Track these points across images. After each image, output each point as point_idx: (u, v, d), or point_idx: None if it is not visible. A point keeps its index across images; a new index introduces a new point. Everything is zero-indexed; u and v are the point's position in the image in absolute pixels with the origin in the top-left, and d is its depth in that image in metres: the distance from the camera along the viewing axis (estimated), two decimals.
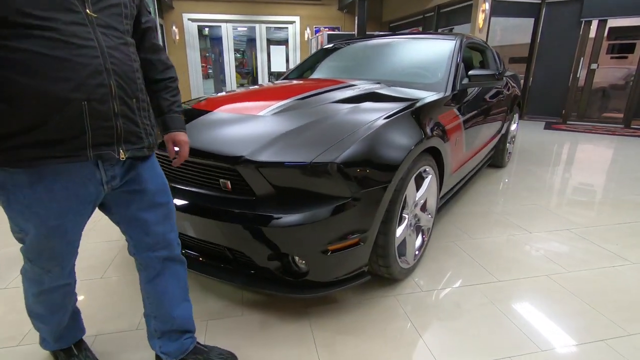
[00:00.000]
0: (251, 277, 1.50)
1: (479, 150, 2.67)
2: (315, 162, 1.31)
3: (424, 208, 1.93)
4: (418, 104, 1.81)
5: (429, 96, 1.99)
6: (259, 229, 1.30)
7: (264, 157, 1.33)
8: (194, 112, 1.78)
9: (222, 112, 1.73)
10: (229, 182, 1.42)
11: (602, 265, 1.95)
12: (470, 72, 2.31)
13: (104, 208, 1.05)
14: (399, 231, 1.64)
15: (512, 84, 3.55)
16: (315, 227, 1.30)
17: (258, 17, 9.44)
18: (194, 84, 9.54)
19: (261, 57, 9.81)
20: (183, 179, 1.56)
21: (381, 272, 1.65)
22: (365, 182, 1.37)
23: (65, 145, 0.84)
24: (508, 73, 3.65)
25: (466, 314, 1.57)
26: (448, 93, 2.14)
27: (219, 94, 2.24)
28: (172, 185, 1.57)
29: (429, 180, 1.82)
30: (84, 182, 0.92)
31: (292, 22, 9.59)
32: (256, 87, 2.42)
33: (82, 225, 0.97)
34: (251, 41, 9.91)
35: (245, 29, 9.72)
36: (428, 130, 1.70)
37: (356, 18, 7.41)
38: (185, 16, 9.13)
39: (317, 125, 1.51)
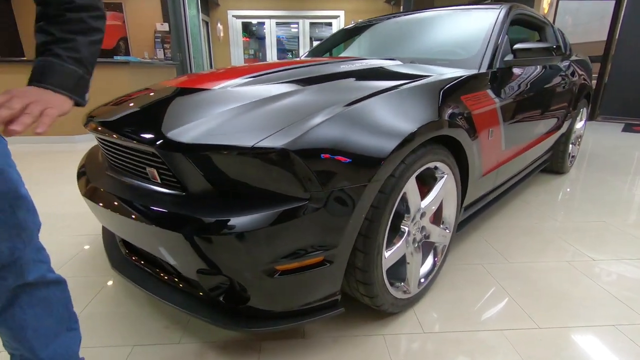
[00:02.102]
0: (189, 297, 1.16)
1: (527, 149, 2.11)
2: (257, 147, 0.93)
3: (437, 219, 1.47)
4: (428, 80, 1.36)
5: (451, 73, 1.52)
6: (177, 234, 0.95)
7: (189, 137, 0.98)
8: (158, 88, 1.49)
9: (176, 86, 1.41)
10: (155, 171, 1.09)
11: None
12: (516, 46, 1.78)
13: None
14: (393, 249, 1.21)
15: (580, 71, 2.87)
16: (252, 238, 0.92)
17: (302, 12, 9.22)
18: None
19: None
20: (113, 166, 1.27)
21: (365, 302, 1.23)
22: (332, 179, 0.96)
23: None
24: (575, 57, 2.97)
25: None
26: (483, 70, 1.64)
27: (210, 70, 1.94)
28: (106, 173, 1.28)
29: (444, 183, 1.35)
30: None
31: (336, 17, 9.25)
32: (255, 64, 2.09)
33: None
34: (295, 38, 9.72)
35: (294, 26, 9.55)
36: (441, 113, 1.24)
37: (402, 9, 6.87)
38: (230, 13, 9.18)
39: (277, 102, 1.13)
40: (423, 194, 1.35)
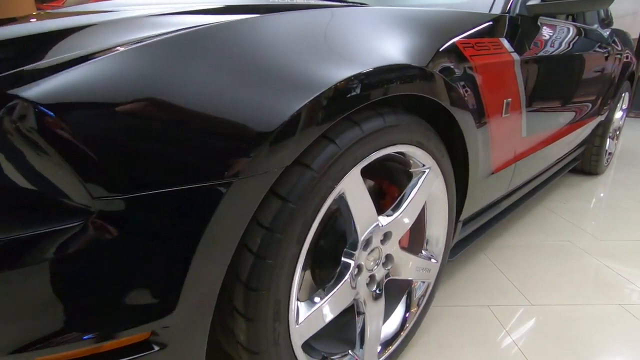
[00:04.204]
0: None
1: (557, 139, 1.53)
2: None
3: (414, 243, 0.92)
4: (391, 7, 0.81)
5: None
6: None
7: None
8: None
9: None
10: None
11: None
12: None
13: None
14: (320, 303, 0.67)
15: (621, 46, 2.26)
16: None
17: None
18: None
19: None
20: None
21: None
22: (141, 170, 0.43)
23: None
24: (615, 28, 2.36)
25: None
26: (496, 12, 1.08)
27: None
28: None
29: (424, 182, 0.80)
30: None
31: None
32: None
33: None
34: None
35: None
36: (416, 55, 0.69)
37: None
38: None
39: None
40: (386, 202, 0.81)
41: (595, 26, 1.98)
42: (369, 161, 0.65)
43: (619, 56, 2.10)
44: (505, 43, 1.01)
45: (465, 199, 1.00)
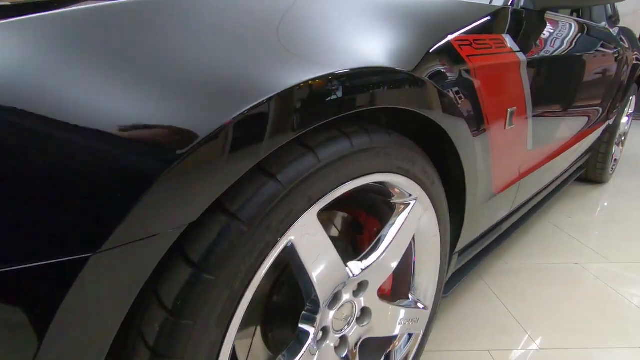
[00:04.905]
0: None
1: (565, 149, 1.37)
2: None
3: (398, 289, 0.75)
4: None
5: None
6: None
7: None
8: None
9: None
10: None
11: None
12: None
13: None
14: None
15: (630, 46, 2.10)
16: None
17: None
18: None
19: None
20: None
21: None
22: None
23: None
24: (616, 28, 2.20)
25: None
26: (497, 4, 0.91)
27: None
28: None
29: (408, 216, 0.63)
30: None
31: None
32: None
33: None
34: None
35: None
36: (403, 58, 0.52)
37: None
38: None
39: None
40: (364, 238, 0.65)
41: (603, 24, 1.82)
42: (331, 199, 0.48)
43: (628, 57, 1.94)
44: (509, 40, 0.84)
45: (462, 228, 0.83)
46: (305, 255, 0.47)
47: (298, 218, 0.44)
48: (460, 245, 0.87)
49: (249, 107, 0.35)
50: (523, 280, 1.28)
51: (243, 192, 0.39)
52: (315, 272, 0.49)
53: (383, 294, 0.68)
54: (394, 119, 0.64)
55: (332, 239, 0.53)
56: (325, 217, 0.65)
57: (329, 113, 0.43)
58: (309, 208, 0.45)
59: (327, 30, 0.47)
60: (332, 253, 0.51)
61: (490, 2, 0.91)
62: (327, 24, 0.47)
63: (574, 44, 1.25)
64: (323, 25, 0.47)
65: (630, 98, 2.23)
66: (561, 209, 1.92)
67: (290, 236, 0.43)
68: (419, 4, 0.63)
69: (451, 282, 0.97)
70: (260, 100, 0.35)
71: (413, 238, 0.69)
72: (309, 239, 0.47)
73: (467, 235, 0.87)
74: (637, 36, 2.49)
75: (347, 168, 0.48)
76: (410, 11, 0.61)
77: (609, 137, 2.06)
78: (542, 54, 0.99)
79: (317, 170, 0.44)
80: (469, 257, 1.01)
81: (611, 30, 1.83)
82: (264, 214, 0.40)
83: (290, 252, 0.45)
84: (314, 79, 0.40)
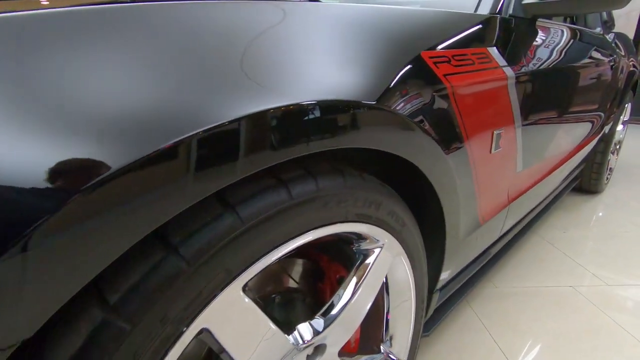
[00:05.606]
0: None
1: (558, 166, 1.28)
2: None
3: (368, 340, 0.65)
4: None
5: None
6: None
7: None
8: None
9: None
10: None
11: None
12: None
13: None
14: None
15: (625, 52, 2.02)
16: None
17: None
18: None
19: None
20: None
21: None
22: None
23: None
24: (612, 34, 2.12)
25: None
26: (483, 12, 0.81)
27: None
28: None
29: (373, 268, 0.53)
30: None
31: None
32: None
33: None
34: None
35: None
36: (364, 86, 0.43)
37: None
38: None
39: None
40: (325, 286, 0.56)
41: (598, 29, 1.74)
42: (262, 267, 0.38)
43: (624, 64, 1.86)
44: (495, 54, 0.75)
45: (442, 262, 0.74)
46: (227, 340, 0.37)
47: (215, 297, 0.34)
48: (441, 284, 0.78)
49: (151, 151, 0.25)
50: (513, 306, 1.19)
51: (130, 273, 0.29)
52: (244, 357, 0.39)
53: (347, 351, 0.59)
54: (357, 155, 0.55)
55: (285, 291, 0.43)
56: (276, 267, 0.55)
57: (259, 161, 0.33)
58: (228, 284, 0.35)
59: (271, 51, 0.37)
60: (268, 328, 0.41)
61: (476, 10, 0.81)
62: (269, 43, 0.37)
63: (567, 53, 1.16)
64: (268, 45, 0.37)
65: (627, 106, 2.15)
66: (555, 223, 1.83)
67: (202, 324, 0.34)
68: (384, 16, 0.53)
69: (434, 319, 0.88)
70: (165, 146, 0.25)
71: (384, 286, 0.60)
72: (232, 320, 0.37)
73: (448, 271, 0.78)
74: (631, 39, 2.42)
75: (284, 224, 0.38)
76: (372, 25, 0.51)
77: (604, 146, 1.98)
78: (532, 67, 0.90)
79: (240, 234, 0.34)
80: (452, 291, 0.92)
81: (606, 36, 1.75)
82: (153, 302, 0.30)
83: (206, 338, 0.36)
84: (238, 119, 0.30)
